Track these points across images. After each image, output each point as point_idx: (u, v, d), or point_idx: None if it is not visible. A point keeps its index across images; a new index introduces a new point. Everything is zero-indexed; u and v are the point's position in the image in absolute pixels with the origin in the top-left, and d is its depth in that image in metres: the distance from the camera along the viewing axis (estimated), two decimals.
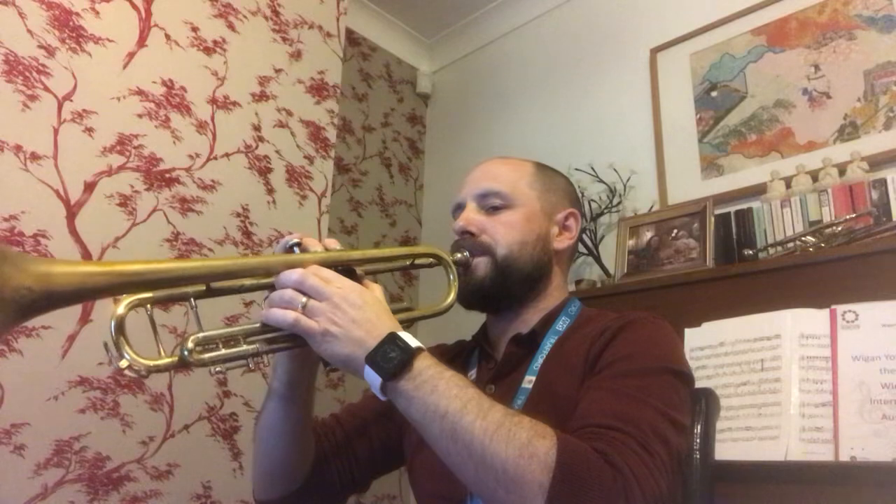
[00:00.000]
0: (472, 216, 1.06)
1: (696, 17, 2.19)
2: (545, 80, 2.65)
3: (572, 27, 2.61)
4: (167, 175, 1.68)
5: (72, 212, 1.49)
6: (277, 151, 1.94)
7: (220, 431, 1.67)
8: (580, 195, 1.37)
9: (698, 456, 0.99)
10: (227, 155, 1.82)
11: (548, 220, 1.08)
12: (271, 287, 0.81)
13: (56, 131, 1.50)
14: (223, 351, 0.75)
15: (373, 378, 0.75)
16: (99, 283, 0.70)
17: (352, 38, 2.79)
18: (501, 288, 1.03)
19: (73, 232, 1.49)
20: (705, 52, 2.14)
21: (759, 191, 1.81)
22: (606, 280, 1.98)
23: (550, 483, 0.67)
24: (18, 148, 1.43)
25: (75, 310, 1.46)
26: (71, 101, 1.53)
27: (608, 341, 0.91)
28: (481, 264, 1.02)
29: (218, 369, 0.75)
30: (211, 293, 0.78)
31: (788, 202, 1.66)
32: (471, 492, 0.89)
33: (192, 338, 0.74)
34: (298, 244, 0.83)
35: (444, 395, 0.73)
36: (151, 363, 0.71)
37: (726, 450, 1.27)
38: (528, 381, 0.95)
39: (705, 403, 1.00)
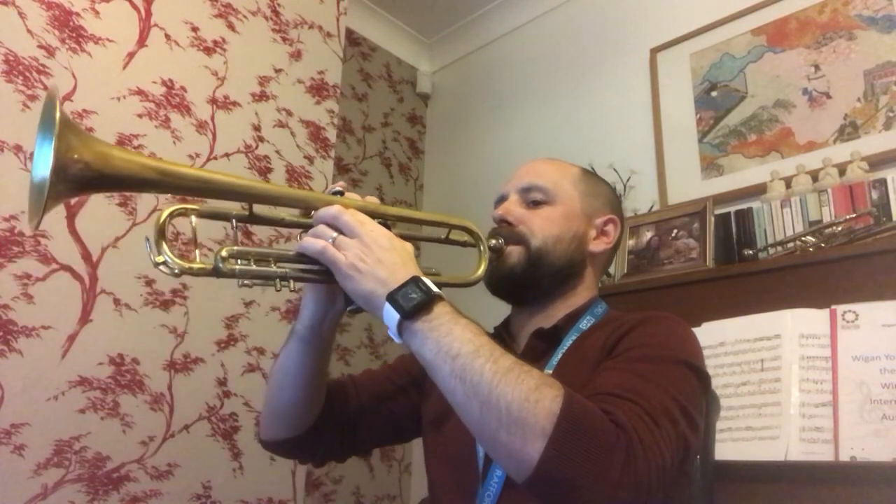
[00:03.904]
0: (511, 207, 1.08)
1: (696, 17, 2.19)
2: (545, 80, 2.65)
3: (572, 27, 2.61)
4: None
5: (72, 212, 1.49)
6: (277, 151, 1.94)
7: (220, 431, 1.67)
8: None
9: (698, 456, 0.99)
10: (227, 155, 1.82)
11: (587, 222, 1.09)
12: (309, 227, 0.84)
13: None
14: (254, 267, 0.79)
15: (391, 316, 0.76)
16: (150, 176, 0.74)
17: (352, 38, 2.79)
18: (531, 279, 1.04)
19: (73, 232, 1.49)
20: (705, 52, 2.14)
21: (759, 191, 1.81)
22: (606, 280, 1.98)
23: (553, 429, 0.67)
24: (18, 148, 1.43)
25: (75, 310, 1.46)
26: (71, 101, 1.53)
27: (626, 332, 0.91)
28: (514, 252, 1.04)
29: (245, 282, 0.79)
30: (252, 219, 0.83)
31: (788, 202, 1.66)
32: (483, 477, 0.90)
33: (226, 248, 0.78)
34: (341, 192, 0.87)
35: (458, 338, 0.74)
36: (185, 265, 0.76)
37: (726, 450, 1.27)
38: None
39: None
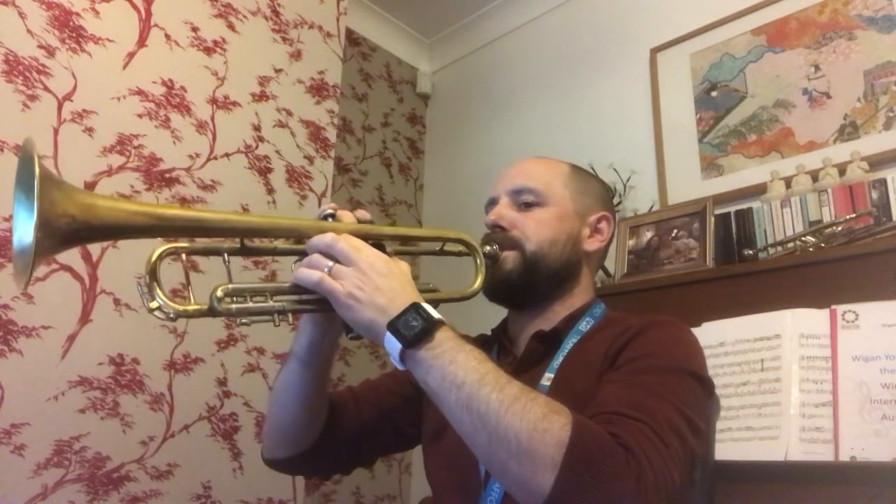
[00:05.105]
0: (504, 211, 1.07)
1: (696, 17, 2.19)
2: (545, 80, 2.65)
3: (572, 27, 2.61)
4: (167, 175, 1.68)
5: None
6: (277, 151, 1.94)
7: (220, 431, 1.67)
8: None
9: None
10: (227, 155, 1.82)
11: (580, 221, 1.09)
12: (303, 254, 0.83)
13: (56, 131, 1.50)
14: (251, 304, 0.78)
15: (392, 345, 0.75)
16: (138, 222, 0.72)
17: (352, 38, 2.79)
18: (528, 283, 1.03)
19: None
20: (705, 52, 2.14)
21: (759, 191, 1.81)
22: (606, 280, 1.98)
23: (563, 459, 0.67)
24: (18, 148, 1.43)
25: (75, 310, 1.46)
26: (71, 101, 1.53)
27: (630, 339, 0.91)
28: (510, 258, 1.03)
29: (243, 321, 0.77)
30: (244, 251, 0.81)
31: (788, 202, 1.66)
32: (485, 483, 0.90)
33: (221, 287, 0.76)
34: (332, 215, 0.86)
35: (462, 367, 0.73)
36: (181, 308, 0.74)
37: (726, 450, 1.27)
38: (547, 378, 0.95)
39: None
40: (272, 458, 1.04)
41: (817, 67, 1.88)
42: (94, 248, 1.51)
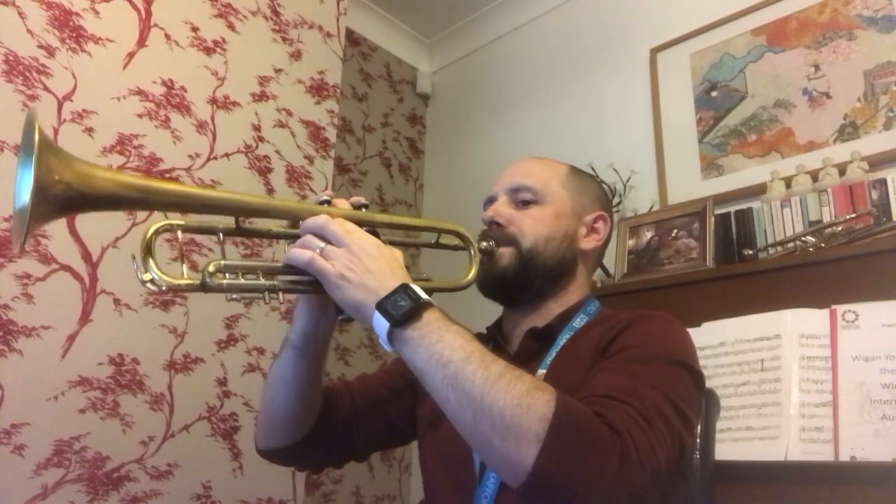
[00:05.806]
0: (501, 208, 1.08)
1: (696, 17, 2.19)
2: (545, 80, 2.65)
3: (572, 27, 2.62)
4: (167, 175, 1.68)
5: None
6: (277, 151, 1.94)
7: (220, 431, 1.67)
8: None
9: (698, 456, 0.99)
10: (227, 155, 1.82)
11: (577, 220, 1.09)
12: (298, 237, 0.84)
13: (56, 131, 1.50)
14: (242, 281, 0.79)
15: (381, 324, 0.76)
16: (133, 195, 0.74)
17: (352, 38, 2.79)
18: (523, 279, 1.04)
19: (73, 232, 1.49)
20: (705, 52, 2.14)
21: (759, 191, 1.81)
22: (606, 280, 1.98)
23: (546, 434, 0.66)
24: (18, 148, 1.43)
25: (75, 310, 1.46)
26: (71, 101, 1.53)
27: (621, 331, 0.91)
28: (505, 254, 1.04)
29: (234, 297, 0.79)
30: (239, 232, 0.82)
31: (788, 202, 1.66)
32: (480, 477, 0.90)
33: (213, 262, 0.77)
34: (328, 201, 0.87)
35: (448, 345, 0.73)
36: (173, 281, 0.75)
37: (726, 450, 1.27)
38: (541, 374, 0.95)
39: (705, 404, 1.00)
40: (266, 449, 1.04)
41: (817, 67, 1.88)
42: (95, 248, 1.51)
